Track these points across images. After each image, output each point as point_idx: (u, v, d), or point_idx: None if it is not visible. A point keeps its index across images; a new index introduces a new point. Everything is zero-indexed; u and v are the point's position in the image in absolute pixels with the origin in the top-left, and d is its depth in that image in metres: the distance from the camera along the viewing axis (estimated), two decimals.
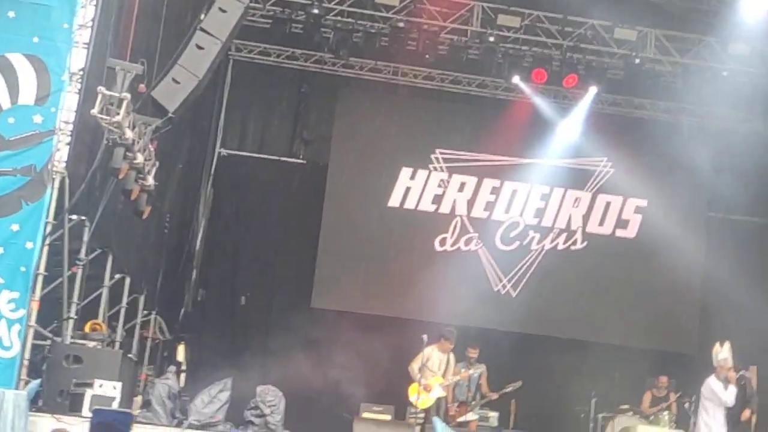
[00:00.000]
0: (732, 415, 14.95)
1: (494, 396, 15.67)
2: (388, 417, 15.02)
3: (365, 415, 14.96)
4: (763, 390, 16.02)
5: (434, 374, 15.03)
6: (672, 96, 18.50)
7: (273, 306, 17.37)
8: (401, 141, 18.42)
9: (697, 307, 18.31)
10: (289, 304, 17.15)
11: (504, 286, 18.55)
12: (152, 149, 12.37)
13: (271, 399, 13.63)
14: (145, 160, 12.04)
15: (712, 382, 14.71)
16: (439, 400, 15.16)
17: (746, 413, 15.12)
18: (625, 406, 16.57)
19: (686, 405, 16.48)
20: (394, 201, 18.55)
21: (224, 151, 18.78)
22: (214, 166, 18.55)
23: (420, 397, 14.69)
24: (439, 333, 15.40)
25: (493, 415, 16.29)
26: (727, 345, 14.85)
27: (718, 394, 14.56)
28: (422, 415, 14.86)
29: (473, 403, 15.64)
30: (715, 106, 18.38)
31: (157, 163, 12.68)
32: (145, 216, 12.87)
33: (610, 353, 16.77)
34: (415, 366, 15.00)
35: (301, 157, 19.09)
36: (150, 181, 12.42)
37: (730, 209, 18.62)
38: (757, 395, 15.50)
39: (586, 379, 16.22)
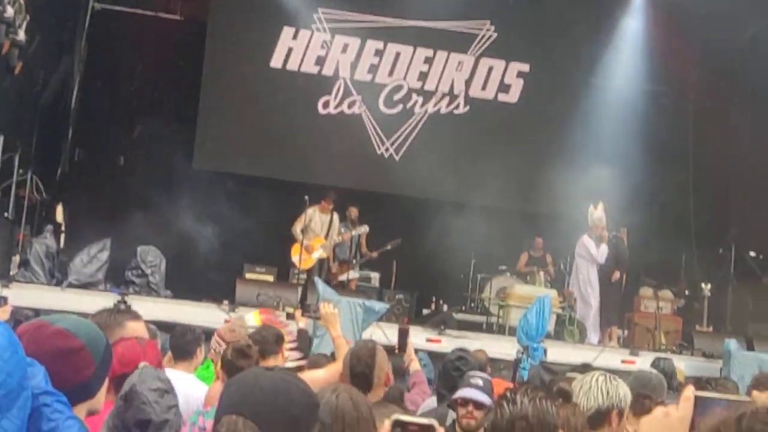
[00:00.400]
0: (603, 276, 15.51)
1: (374, 254, 15.87)
2: (270, 278, 15.08)
3: (248, 275, 15.00)
4: (632, 250, 16.56)
5: (316, 235, 15.11)
6: None
7: (153, 166, 17.05)
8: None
9: (572, 170, 18.65)
10: (169, 164, 16.86)
11: (387, 150, 18.56)
12: (22, 2, 11.85)
13: (152, 259, 13.57)
14: (15, 13, 11.54)
15: (585, 241, 15.20)
16: (320, 260, 15.28)
17: (616, 275, 15.67)
18: (503, 267, 16.99)
19: (561, 266, 17.00)
20: (276, 61, 18.21)
21: (98, 6, 18.02)
22: (87, 21, 17.82)
23: (302, 258, 14.79)
24: (320, 195, 15.44)
25: (375, 276, 16.51)
26: (600, 205, 15.30)
27: (591, 252, 15.07)
28: (304, 275, 14.98)
29: (354, 262, 15.81)
30: None
31: (28, 17, 12.16)
32: (17, 72, 12.42)
33: (489, 215, 17.01)
34: (297, 227, 15.06)
35: (178, 13, 18.50)
36: (21, 35, 11.94)
37: (609, 75, 18.84)
38: (627, 256, 16.06)
39: (465, 241, 16.47)
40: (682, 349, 14.92)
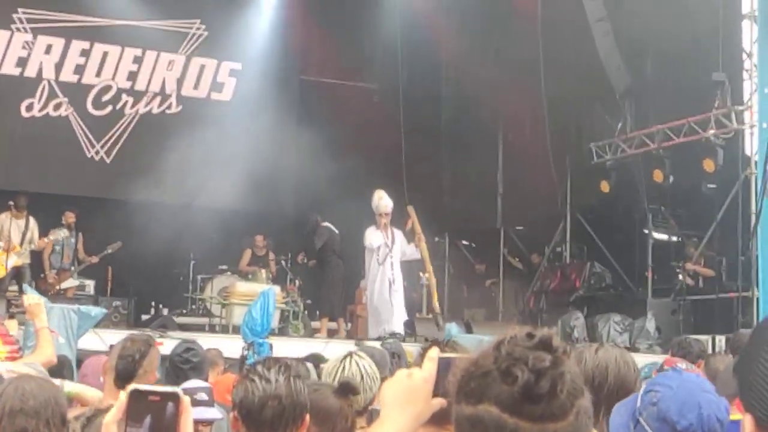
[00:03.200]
0: None
1: (95, 259, 15.38)
2: None
3: None
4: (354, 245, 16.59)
5: (12, 243, 14.26)
6: None
7: None
8: None
9: (289, 165, 18.58)
10: None
11: (97, 153, 17.98)
12: None
13: None
14: None
15: (369, 231, 14.37)
16: (19, 267, 14.36)
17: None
18: (224, 267, 16.77)
19: (283, 263, 16.97)
20: None
21: None
22: None
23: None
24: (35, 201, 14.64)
25: (89, 283, 15.90)
26: (382, 192, 14.60)
27: (370, 241, 14.30)
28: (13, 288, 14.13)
29: (72, 269, 15.19)
30: None
31: None
32: None
33: (206, 215, 16.74)
34: None
35: None
36: None
37: (323, 73, 19.04)
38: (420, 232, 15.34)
39: (183, 242, 16.15)
40: (405, 336, 15.16)
